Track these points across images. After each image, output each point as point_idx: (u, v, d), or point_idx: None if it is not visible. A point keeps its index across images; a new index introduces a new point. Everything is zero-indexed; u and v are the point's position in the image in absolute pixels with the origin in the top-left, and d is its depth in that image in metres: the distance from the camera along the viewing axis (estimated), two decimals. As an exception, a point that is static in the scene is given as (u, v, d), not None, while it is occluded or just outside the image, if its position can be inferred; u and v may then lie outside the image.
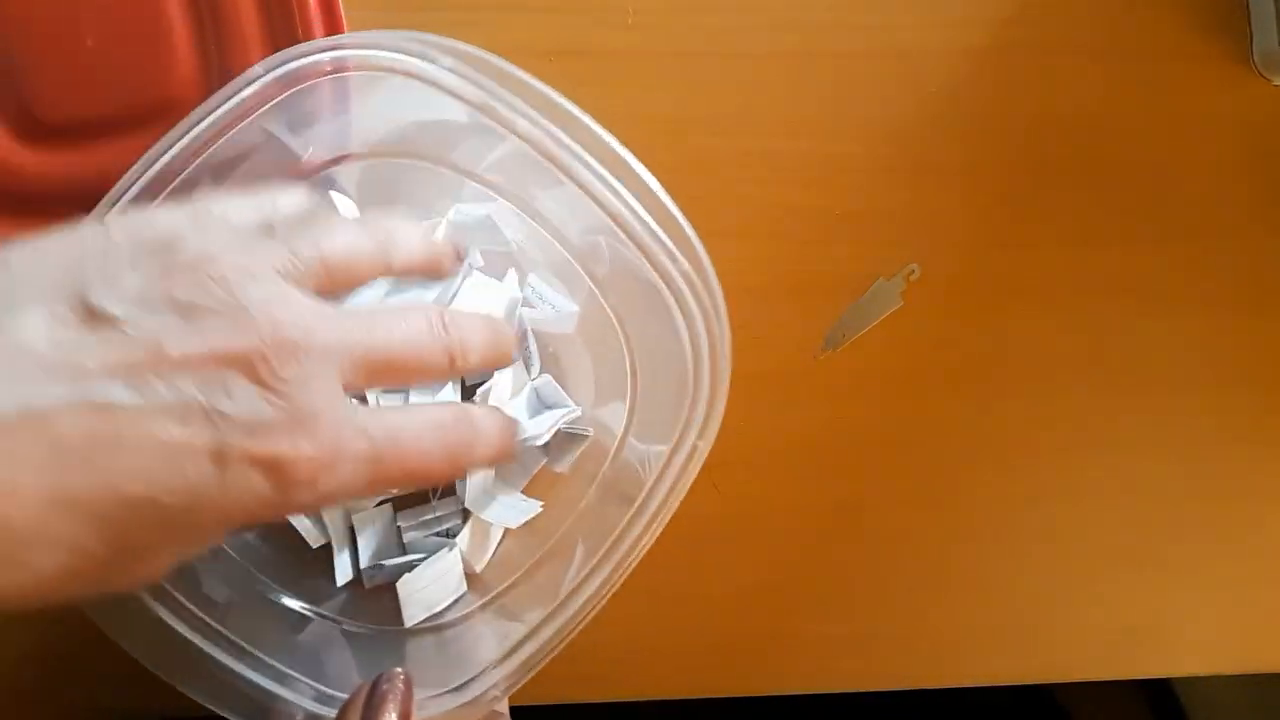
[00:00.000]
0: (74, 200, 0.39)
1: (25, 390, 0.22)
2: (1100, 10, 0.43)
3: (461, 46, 0.34)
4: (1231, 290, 0.44)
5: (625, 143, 0.35)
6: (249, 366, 0.25)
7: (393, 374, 0.29)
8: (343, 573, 0.39)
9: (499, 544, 0.41)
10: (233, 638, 0.34)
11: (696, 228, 0.35)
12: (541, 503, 0.39)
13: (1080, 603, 0.45)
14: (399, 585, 0.38)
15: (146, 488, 0.23)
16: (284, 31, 0.39)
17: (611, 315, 0.38)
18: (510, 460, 0.36)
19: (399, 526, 0.40)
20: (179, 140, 0.33)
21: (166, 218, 0.27)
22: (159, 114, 0.39)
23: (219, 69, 0.39)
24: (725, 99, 0.42)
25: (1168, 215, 0.44)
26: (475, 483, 0.39)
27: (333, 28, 0.40)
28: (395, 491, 0.39)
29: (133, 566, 0.25)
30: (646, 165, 0.35)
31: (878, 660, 0.44)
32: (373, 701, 0.31)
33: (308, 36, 0.39)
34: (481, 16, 0.41)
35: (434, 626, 0.39)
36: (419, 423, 0.29)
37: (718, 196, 0.42)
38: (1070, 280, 0.44)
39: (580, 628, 0.34)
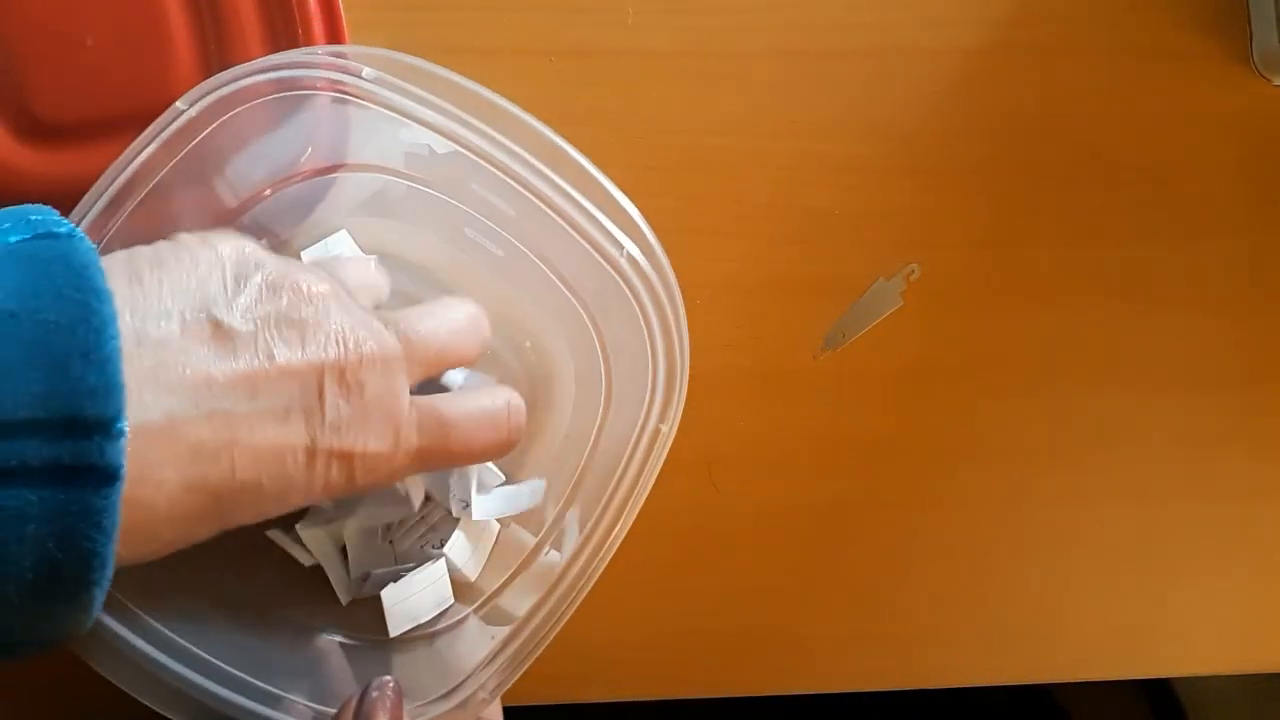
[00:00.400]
0: (74, 200, 0.39)
1: (170, 402, 0.26)
2: (1100, 10, 0.43)
3: (384, 54, 0.34)
4: (1231, 290, 0.44)
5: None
6: (338, 375, 0.29)
7: (443, 365, 0.34)
8: (342, 588, 0.39)
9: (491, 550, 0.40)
10: (224, 666, 0.34)
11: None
12: (543, 481, 0.39)
13: (1080, 603, 0.45)
14: (383, 595, 0.37)
15: (254, 476, 0.28)
16: (284, 31, 0.39)
17: (581, 310, 0.38)
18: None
19: (390, 541, 0.39)
20: (108, 187, 0.34)
21: (247, 240, 0.32)
22: (159, 114, 0.39)
23: (219, 69, 0.39)
24: (725, 99, 0.42)
25: (1168, 215, 0.44)
26: (462, 484, 0.38)
27: (332, 27, 0.40)
28: None
29: (220, 529, 0.29)
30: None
31: (878, 660, 0.44)
32: (362, 710, 0.32)
33: (308, 36, 0.39)
34: (481, 16, 0.41)
35: (428, 635, 0.39)
36: (470, 414, 0.33)
37: (718, 196, 0.42)
38: (1070, 280, 0.44)
39: (563, 621, 0.34)
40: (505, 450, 0.35)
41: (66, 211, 0.37)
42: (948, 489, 0.44)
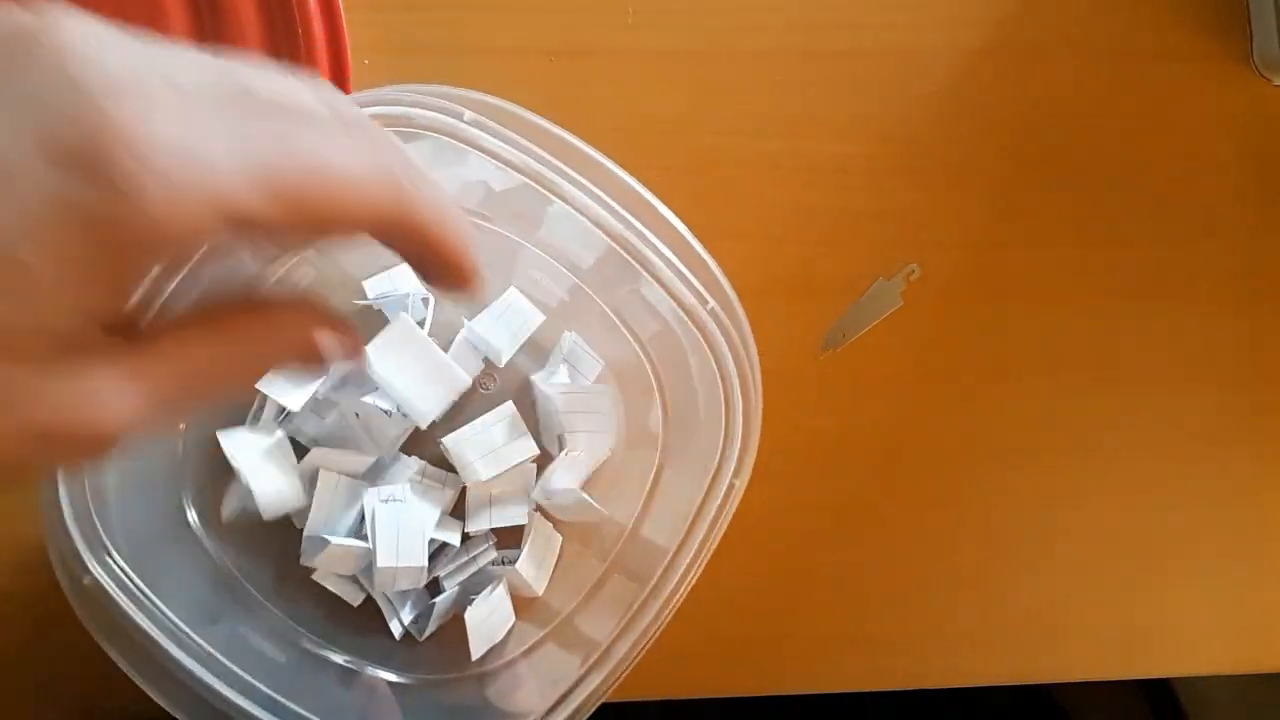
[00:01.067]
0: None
1: None
2: (1100, 10, 0.43)
3: (475, 96, 0.34)
4: (1231, 290, 0.44)
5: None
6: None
7: (316, 214, 0.20)
8: (396, 625, 0.39)
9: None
10: (277, 696, 0.35)
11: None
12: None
13: (1080, 603, 0.45)
14: (467, 617, 0.38)
15: None
16: (284, 31, 0.39)
17: (642, 356, 0.39)
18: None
19: (437, 577, 0.40)
20: None
21: None
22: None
23: (219, 69, 0.39)
24: (725, 99, 0.42)
25: (1168, 215, 0.44)
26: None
27: (332, 27, 0.40)
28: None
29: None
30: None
31: (878, 660, 0.44)
32: None
33: (307, 36, 0.39)
34: (481, 16, 0.41)
35: (479, 674, 0.39)
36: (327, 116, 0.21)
37: (718, 196, 0.42)
38: (1070, 280, 0.44)
39: (628, 671, 0.35)
40: (403, 201, 0.22)
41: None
42: (948, 489, 0.44)
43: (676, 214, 0.35)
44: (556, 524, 0.41)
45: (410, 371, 0.37)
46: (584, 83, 0.42)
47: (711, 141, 0.42)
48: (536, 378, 0.40)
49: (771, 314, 0.42)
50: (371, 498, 0.37)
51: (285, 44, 0.39)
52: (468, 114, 0.34)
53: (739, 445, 0.35)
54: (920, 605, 0.44)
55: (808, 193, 0.43)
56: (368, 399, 0.38)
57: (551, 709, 0.34)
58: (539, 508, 0.40)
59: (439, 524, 0.39)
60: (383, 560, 0.37)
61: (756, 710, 0.51)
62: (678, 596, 0.35)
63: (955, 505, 0.44)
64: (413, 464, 0.39)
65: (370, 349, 0.37)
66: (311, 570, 0.39)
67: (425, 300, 0.40)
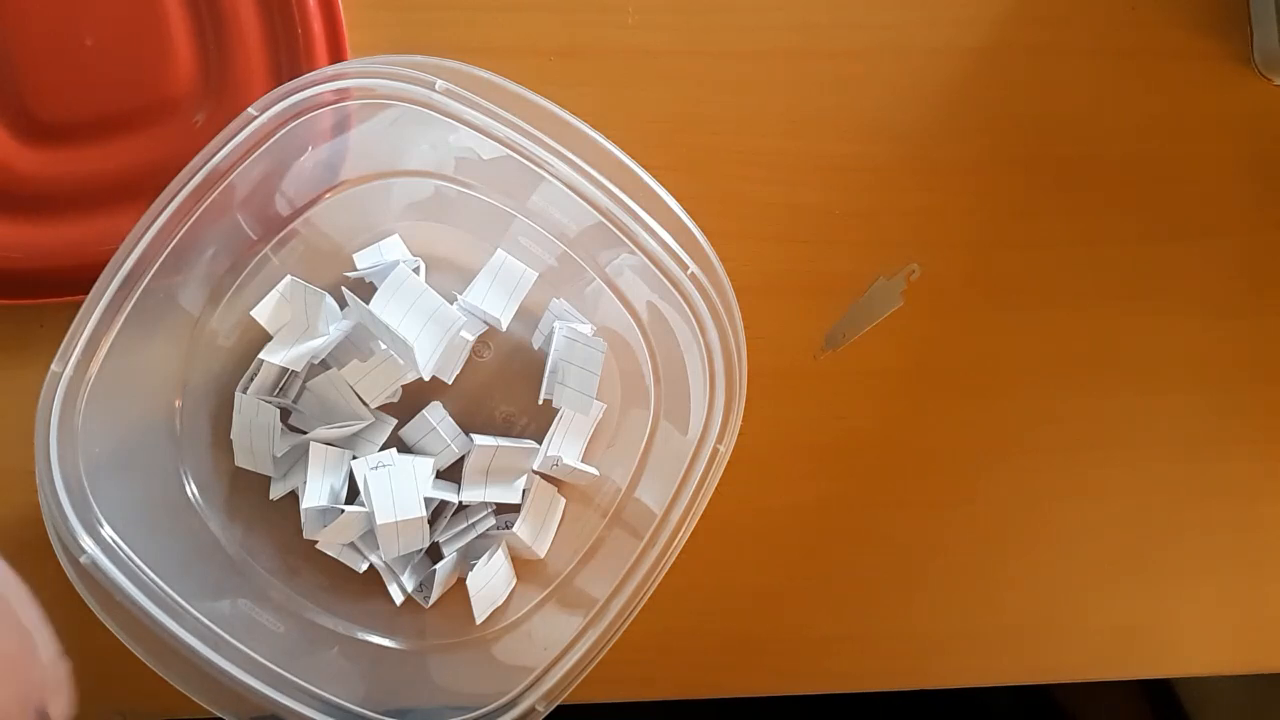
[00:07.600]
0: (74, 200, 0.39)
1: None
2: (1101, 10, 0.43)
3: (454, 66, 0.34)
4: (1231, 290, 0.44)
5: (625, 142, 0.35)
6: None
7: None
8: (396, 590, 0.39)
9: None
10: (270, 665, 0.35)
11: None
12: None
13: (1080, 603, 0.45)
14: (469, 583, 0.38)
15: None
16: (283, 31, 0.39)
17: (634, 324, 0.39)
18: None
19: (437, 543, 0.40)
20: (180, 190, 0.35)
21: None
22: (159, 114, 0.39)
23: (219, 69, 0.39)
24: (725, 99, 0.42)
25: (1168, 215, 0.44)
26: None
27: (332, 27, 0.40)
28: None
29: None
30: (646, 165, 0.35)
31: (877, 660, 0.44)
32: None
33: (307, 36, 0.39)
34: (481, 16, 0.41)
35: (482, 637, 0.39)
36: None
37: (718, 196, 0.42)
38: (1070, 280, 0.44)
39: (620, 633, 0.35)
40: None
41: (68, 210, 0.37)
42: (948, 488, 0.44)
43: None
44: (560, 486, 0.41)
45: (410, 320, 0.38)
46: (584, 83, 0.42)
47: (711, 141, 0.42)
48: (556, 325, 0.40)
49: (771, 314, 0.43)
50: (361, 466, 0.38)
51: (285, 44, 0.39)
52: (440, 83, 0.34)
53: (721, 412, 0.35)
54: (920, 605, 0.44)
55: (809, 193, 0.43)
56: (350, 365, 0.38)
57: (550, 666, 0.35)
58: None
59: (434, 484, 0.39)
60: (381, 518, 0.37)
61: (757, 710, 0.51)
62: (667, 558, 0.35)
63: (956, 504, 0.44)
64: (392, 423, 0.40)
65: (373, 303, 0.38)
66: (313, 543, 0.39)
67: (416, 269, 0.40)
